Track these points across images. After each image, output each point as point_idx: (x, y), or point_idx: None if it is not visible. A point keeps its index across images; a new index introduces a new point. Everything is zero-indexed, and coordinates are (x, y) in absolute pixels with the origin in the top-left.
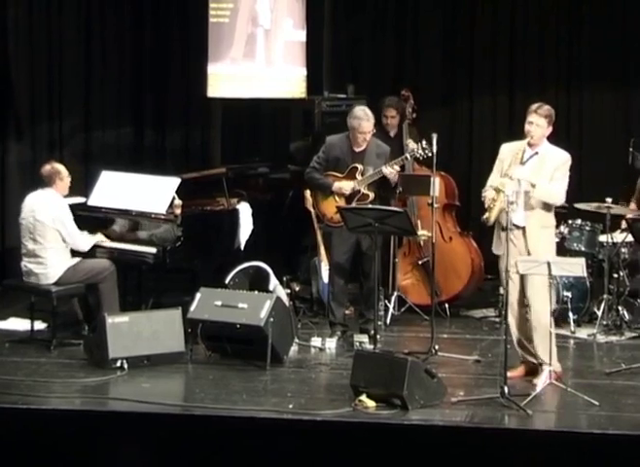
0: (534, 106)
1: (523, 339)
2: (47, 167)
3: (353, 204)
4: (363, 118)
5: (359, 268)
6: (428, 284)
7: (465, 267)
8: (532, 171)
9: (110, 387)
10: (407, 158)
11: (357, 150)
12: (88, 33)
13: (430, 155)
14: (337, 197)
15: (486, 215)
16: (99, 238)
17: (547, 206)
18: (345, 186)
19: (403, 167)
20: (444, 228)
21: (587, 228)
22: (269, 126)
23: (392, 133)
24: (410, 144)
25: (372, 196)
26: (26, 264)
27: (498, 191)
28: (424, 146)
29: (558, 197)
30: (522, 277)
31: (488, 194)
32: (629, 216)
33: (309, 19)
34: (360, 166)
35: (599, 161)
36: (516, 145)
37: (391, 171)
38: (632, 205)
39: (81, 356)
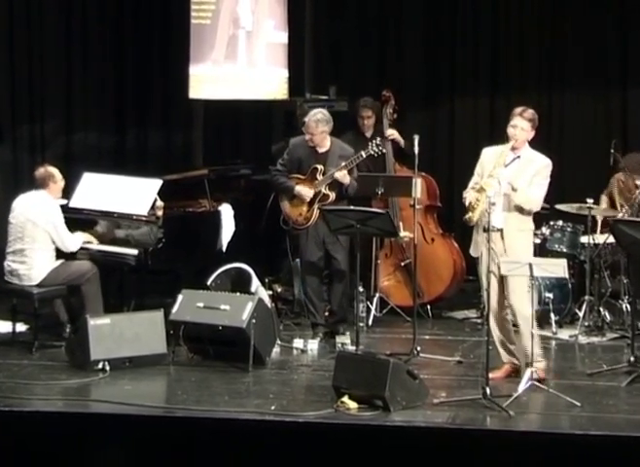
0: (518, 109)
1: (505, 340)
2: (41, 170)
3: (315, 206)
4: (310, 117)
5: (332, 277)
6: (410, 285)
7: (447, 268)
8: (514, 175)
9: (92, 389)
10: (361, 155)
11: (320, 151)
12: (68, 34)
13: (384, 151)
14: (300, 202)
15: (469, 215)
16: (86, 238)
17: (525, 209)
18: (305, 192)
19: (384, 167)
20: (427, 229)
21: (569, 229)
22: (251, 128)
23: (368, 134)
24: (389, 132)
25: (332, 196)
26: (10, 263)
27: (482, 190)
28: (378, 143)
29: (535, 204)
30: (502, 279)
31: (470, 194)
32: (611, 217)
33: (291, 21)
34: (320, 167)
35: (581, 162)
36: (498, 149)
37: (341, 176)
38: (604, 199)
39: (63, 358)
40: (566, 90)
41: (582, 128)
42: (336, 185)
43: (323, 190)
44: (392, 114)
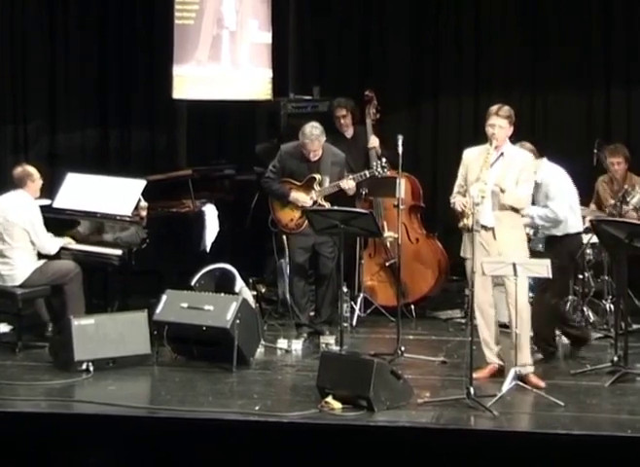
0: (494, 108)
1: (490, 340)
2: (18, 169)
3: None
4: (309, 137)
5: (319, 274)
6: (394, 285)
7: (431, 268)
8: (500, 174)
9: (76, 390)
10: (365, 175)
11: (312, 159)
12: (52, 34)
13: (388, 173)
14: (293, 207)
15: (464, 221)
16: (67, 241)
17: (516, 208)
18: (302, 199)
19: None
20: (411, 229)
21: None
22: (235, 128)
23: (348, 135)
24: (372, 140)
25: (327, 206)
26: None
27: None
28: (383, 165)
29: (525, 202)
30: (492, 277)
31: (458, 199)
32: (593, 218)
33: (275, 21)
34: (318, 176)
35: (564, 162)
36: (481, 149)
37: (349, 187)
38: (592, 206)
39: (46, 359)
40: (549, 90)
41: (565, 128)
42: (331, 196)
43: (319, 200)
44: (375, 114)
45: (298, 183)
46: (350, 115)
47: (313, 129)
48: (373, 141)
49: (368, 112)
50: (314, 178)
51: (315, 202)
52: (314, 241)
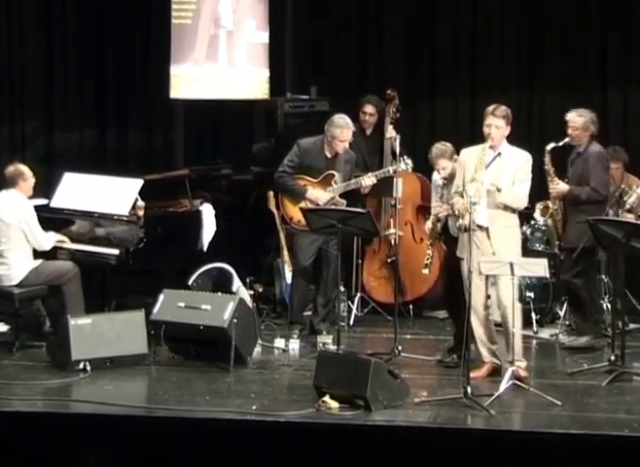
0: (490, 108)
1: (487, 339)
2: (10, 169)
3: None
4: (344, 126)
5: (321, 270)
6: (394, 283)
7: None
8: (496, 173)
9: (73, 389)
10: (389, 171)
11: (329, 156)
12: (49, 34)
13: (411, 170)
14: (308, 203)
15: (460, 221)
16: (60, 238)
17: (513, 207)
18: (321, 196)
19: (382, 165)
20: (417, 229)
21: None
22: (232, 128)
23: (368, 132)
24: (390, 130)
25: (343, 203)
26: None
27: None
28: (406, 161)
29: (522, 201)
30: (487, 279)
31: (456, 200)
32: (590, 217)
33: (272, 21)
34: (336, 174)
35: (560, 162)
36: (477, 149)
37: (369, 184)
38: None
39: (43, 358)
40: (546, 90)
41: (562, 128)
42: (347, 193)
43: (336, 197)
44: (395, 113)
45: (313, 180)
46: (377, 115)
47: (345, 119)
48: (391, 131)
49: (388, 110)
50: (332, 175)
51: (333, 199)
52: (324, 239)
